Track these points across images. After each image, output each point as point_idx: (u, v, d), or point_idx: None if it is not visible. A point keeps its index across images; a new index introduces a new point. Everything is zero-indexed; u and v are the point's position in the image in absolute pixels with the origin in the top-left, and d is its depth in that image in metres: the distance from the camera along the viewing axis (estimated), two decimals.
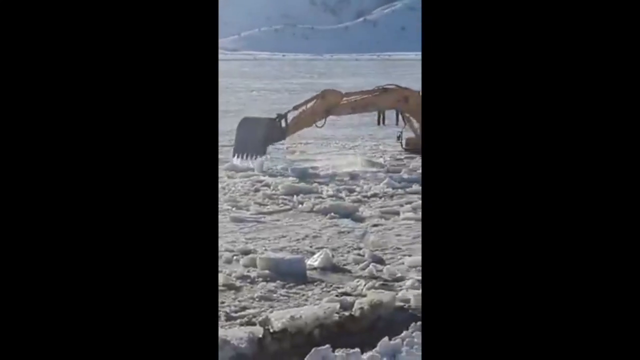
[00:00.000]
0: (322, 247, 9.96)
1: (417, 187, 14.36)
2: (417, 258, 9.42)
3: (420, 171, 16.28)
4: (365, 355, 6.02)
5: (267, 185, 14.52)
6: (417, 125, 19.81)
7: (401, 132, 20.61)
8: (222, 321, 7.30)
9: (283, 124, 18.27)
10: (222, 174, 15.55)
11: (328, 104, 18.88)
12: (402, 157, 18.83)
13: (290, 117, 18.61)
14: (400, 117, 23.27)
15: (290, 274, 8.73)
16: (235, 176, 15.47)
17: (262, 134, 17.81)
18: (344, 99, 19.58)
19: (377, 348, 6.15)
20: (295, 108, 19.02)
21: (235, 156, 17.19)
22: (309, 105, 19.00)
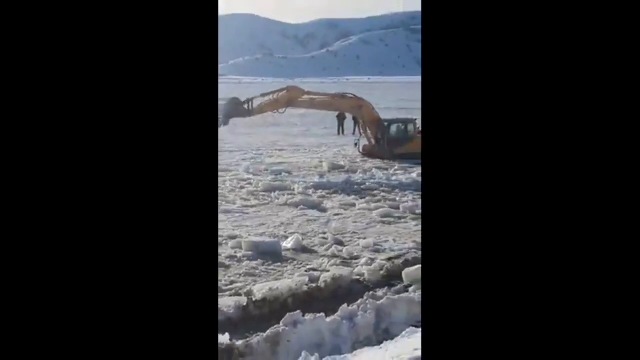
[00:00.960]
0: (294, 233, 9.95)
1: (370, 184, 14.47)
2: (370, 240, 9.52)
3: (373, 171, 16.38)
4: (329, 319, 6.03)
5: (250, 183, 14.51)
6: (370, 134, 19.94)
7: (358, 140, 20.65)
8: None
9: (249, 106, 18.77)
10: None
11: (290, 97, 19.28)
12: (358, 160, 18.83)
13: (256, 102, 18.99)
14: (357, 128, 23.47)
15: (269, 254, 8.73)
16: (225, 176, 15.42)
17: (227, 109, 18.34)
18: (307, 96, 19.89)
19: (338, 313, 6.16)
20: (263, 95, 19.44)
21: (223, 123, 17.79)
22: (275, 95, 19.30)
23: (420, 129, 19.20)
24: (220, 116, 17.81)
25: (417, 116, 21.45)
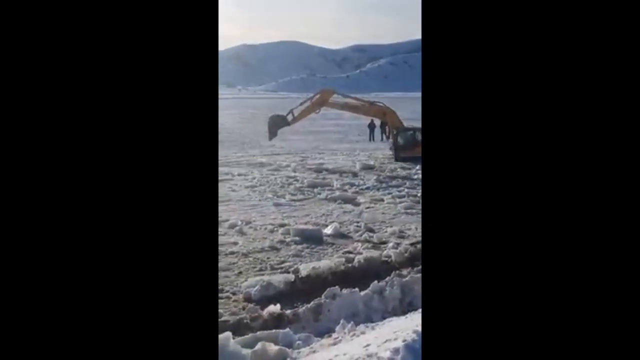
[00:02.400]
0: (333, 222, 9.96)
1: (395, 182, 14.41)
2: (396, 228, 9.48)
3: (398, 171, 16.28)
4: (362, 293, 6.03)
5: (297, 180, 14.56)
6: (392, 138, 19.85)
7: (392, 144, 20.42)
8: (268, 271, 7.35)
9: (290, 116, 19.64)
10: (267, 172, 15.68)
11: (323, 98, 19.72)
12: (385, 161, 18.71)
13: (296, 111, 19.66)
14: (384, 134, 23.28)
15: (312, 239, 8.76)
16: (277, 174, 15.51)
17: (270, 124, 19.55)
18: (340, 98, 20.44)
19: (370, 288, 6.16)
20: (301, 104, 20.04)
21: (270, 138, 19.55)
22: (311, 100, 19.77)
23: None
24: (268, 130, 19.46)
25: None
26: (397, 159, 18.52)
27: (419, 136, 19.21)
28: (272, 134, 19.53)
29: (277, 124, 19.61)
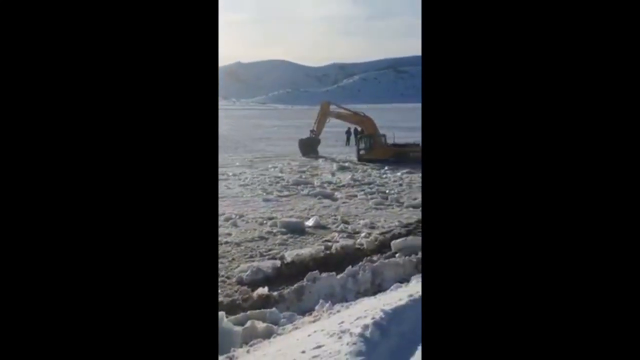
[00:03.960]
0: (314, 215, 9.91)
1: (368, 179, 14.41)
2: (368, 220, 9.45)
3: (369, 171, 16.27)
4: (338, 276, 6.01)
5: (283, 179, 14.49)
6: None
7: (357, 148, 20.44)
8: (258, 257, 7.30)
9: (313, 134, 21.20)
10: (258, 173, 15.58)
11: (324, 109, 21.26)
12: (359, 163, 18.70)
13: (315, 128, 21.28)
14: (357, 140, 23.28)
15: (296, 230, 8.72)
16: (266, 174, 15.42)
17: (305, 145, 20.95)
18: (335, 109, 21.65)
19: (345, 272, 6.14)
20: (315, 122, 21.50)
21: (303, 155, 20.39)
22: (319, 115, 21.34)
23: (384, 141, 19.46)
24: (312, 150, 20.61)
25: (399, 133, 21.56)
26: (359, 160, 18.96)
27: (377, 141, 19.32)
28: (307, 152, 20.35)
29: (308, 144, 20.79)
